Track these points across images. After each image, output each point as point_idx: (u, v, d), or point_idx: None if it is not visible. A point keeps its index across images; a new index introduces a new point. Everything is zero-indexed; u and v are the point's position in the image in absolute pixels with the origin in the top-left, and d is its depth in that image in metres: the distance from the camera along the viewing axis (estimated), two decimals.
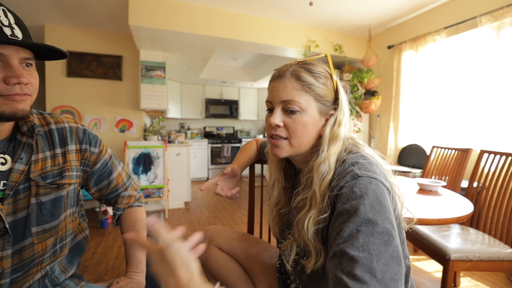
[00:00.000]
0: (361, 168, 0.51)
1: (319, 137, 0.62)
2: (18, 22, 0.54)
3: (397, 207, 0.54)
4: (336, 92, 0.62)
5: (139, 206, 0.86)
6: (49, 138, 0.67)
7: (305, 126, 0.59)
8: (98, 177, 0.78)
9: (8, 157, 0.59)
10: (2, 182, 0.57)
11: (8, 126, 0.59)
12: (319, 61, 0.64)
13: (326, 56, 0.66)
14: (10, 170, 0.58)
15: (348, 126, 0.62)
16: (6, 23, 0.51)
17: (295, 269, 0.65)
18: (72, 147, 0.70)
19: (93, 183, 0.78)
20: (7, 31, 0.50)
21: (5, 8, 0.52)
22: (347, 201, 0.47)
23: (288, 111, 0.59)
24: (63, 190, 0.66)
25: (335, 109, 0.62)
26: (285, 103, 0.59)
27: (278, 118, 0.60)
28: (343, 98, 0.62)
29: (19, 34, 0.53)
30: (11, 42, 0.51)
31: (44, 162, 0.64)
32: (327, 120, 0.62)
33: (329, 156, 0.56)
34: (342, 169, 0.53)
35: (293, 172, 0.74)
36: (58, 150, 0.67)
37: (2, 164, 0.58)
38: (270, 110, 0.63)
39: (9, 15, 0.52)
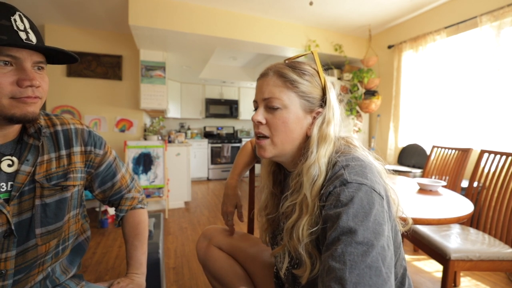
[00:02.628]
0: (351, 173, 0.48)
1: (307, 137, 0.59)
2: (33, 27, 0.56)
3: (391, 211, 0.52)
4: (324, 89, 0.60)
5: (141, 208, 0.86)
6: (54, 140, 0.67)
7: (286, 123, 0.57)
8: (102, 179, 0.78)
9: (15, 159, 0.59)
10: (9, 183, 0.58)
11: (16, 128, 0.60)
12: (308, 59, 0.63)
13: (312, 53, 0.63)
14: (16, 171, 0.58)
15: (339, 126, 0.60)
16: (21, 27, 0.52)
17: (287, 277, 0.64)
18: (77, 148, 0.70)
19: (97, 184, 0.78)
20: (23, 35, 0.52)
21: (21, 14, 0.54)
22: (332, 208, 0.46)
23: (270, 108, 0.58)
24: (67, 191, 0.66)
25: (322, 106, 0.59)
26: (267, 100, 0.58)
27: (260, 115, 0.59)
28: (332, 95, 0.60)
29: (33, 38, 0.54)
30: (26, 45, 0.52)
31: (49, 163, 0.64)
32: (314, 118, 0.59)
33: (319, 158, 0.54)
34: (333, 173, 0.51)
35: (283, 176, 0.72)
36: (63, 152, 0.67)
37: (9, 166, 0.58)
38: (256, 109, 0.63)
39: (25, 20, 0.54)
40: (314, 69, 0.61)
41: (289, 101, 0.57)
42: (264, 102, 0.59)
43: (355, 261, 0.39)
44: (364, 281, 0.38)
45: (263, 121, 0.59)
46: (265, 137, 0.60)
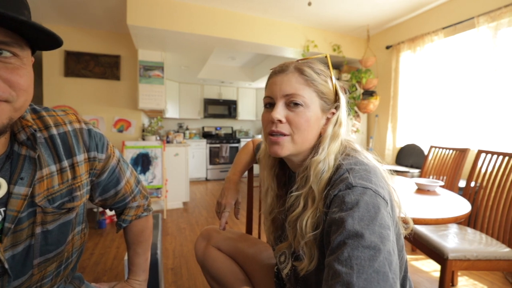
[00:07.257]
0: (355, 176, 0.49)
1: (319, 137, 0.61)
2: None
3: (395, 216, 0.52)
4: (336, 92, 0.62)
5: (146, 215, 0.77)
6: (51, 148, 0.52)
7: (309, 122, 0.57)
8: (104, 187, 0.66)
9: (1, 180, 0.44)
10: (1, 209, 0.44)
11: (2, 139, 0.44)
12: (318, 61, 0.64)
13: (326, 57, 0.65)
14: (8, 195, 0.44)
15: (346, 128, 0.62)
16: None
17: (289, 277, 0.64)
18: (80, 157, 0.56)
19: (98, 193, 0.66)
20: None
21: None
22: (337, 211, 0.46)
23: (291, 105, 0.57)
24: (73, 212, 0.55)
25: (336, 108, 0.61)
26: (289, 96, 0.57)
27: (280, 112, 0.57)
28: (343, 99, 0.62)
29: None
30: None
31: (51, 179, 0.50)
32: (328, 119, 0.61)
33: (329, 154, 0.56)
34: (337, 176, 0.52)
35: (288, 177, 0.72)
36: (65, 163, 0.53)
37: None
38: (270, 105, 0.60)
39: None
40: (327, 71, 0.62)
41: (311, 100, 0.57)
42: (285, 98, 0.57)
43: (363, 265, 0.39)
44: (371, 286, 0.37)
45: (283, 120, 0.57)
46: (283, 134, 0.58)
